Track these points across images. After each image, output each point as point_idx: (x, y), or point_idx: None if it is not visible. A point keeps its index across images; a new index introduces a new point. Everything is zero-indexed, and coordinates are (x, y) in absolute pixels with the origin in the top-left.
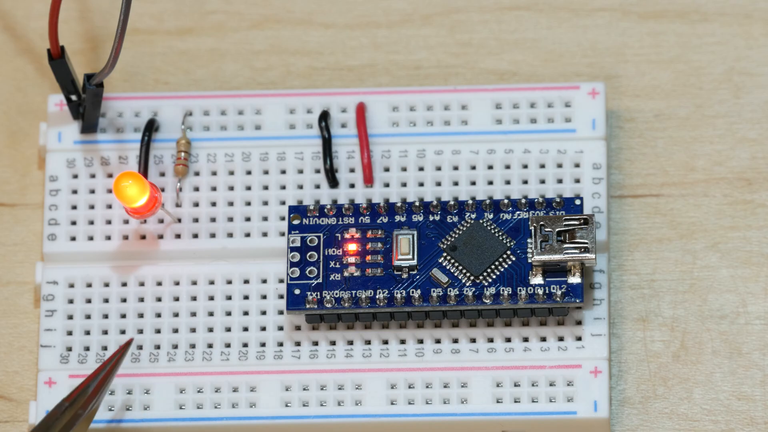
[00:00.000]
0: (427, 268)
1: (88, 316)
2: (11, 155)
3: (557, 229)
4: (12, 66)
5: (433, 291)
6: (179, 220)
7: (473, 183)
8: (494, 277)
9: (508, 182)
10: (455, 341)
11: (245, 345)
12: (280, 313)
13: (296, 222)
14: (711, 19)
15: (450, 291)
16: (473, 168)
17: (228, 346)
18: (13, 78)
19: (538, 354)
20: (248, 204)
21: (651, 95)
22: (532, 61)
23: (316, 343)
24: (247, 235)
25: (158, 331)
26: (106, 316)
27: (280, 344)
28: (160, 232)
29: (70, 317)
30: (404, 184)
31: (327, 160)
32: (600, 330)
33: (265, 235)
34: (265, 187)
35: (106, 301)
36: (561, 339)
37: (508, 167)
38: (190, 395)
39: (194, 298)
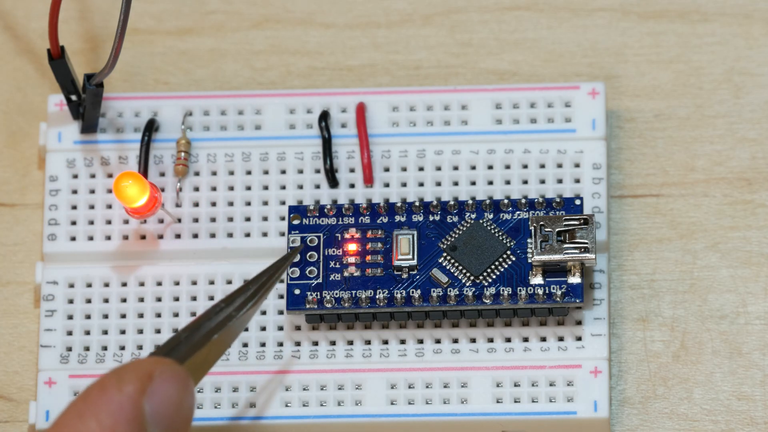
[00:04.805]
0: (427, 268)
1: (88, 316)
2: (11, 155)
3: (557, 229)
4: (12, 66)
5: (433, 291)
6: (179, 220)
7: (473, 183)
8: (494, 277)
9: (508, 182)
10: (455, 341)
11: (245, 345)
12: (280, 313)
13: (296, 222)
14: (711, 19)
15: (450, 291)
16: (473, 168)
17: None
18: (13, 78)
19: (538, 354)
20: (248, 204)
21: (651, 95)
22: (532, 61)
23: (316, 343)
24: (247, 235)
25: (158, 331)
26: (106, 316)
27: (280, 344)
28: (160, 232)
29: (70, 317)
30: (404, 184)
31: (327, 160)
32: (600, 330)
33: (265, 235)
34: (265, 187)
35: (106, 301)
36: (561, 339)
37: (508, 167)
38: None
39: (194, 298)
